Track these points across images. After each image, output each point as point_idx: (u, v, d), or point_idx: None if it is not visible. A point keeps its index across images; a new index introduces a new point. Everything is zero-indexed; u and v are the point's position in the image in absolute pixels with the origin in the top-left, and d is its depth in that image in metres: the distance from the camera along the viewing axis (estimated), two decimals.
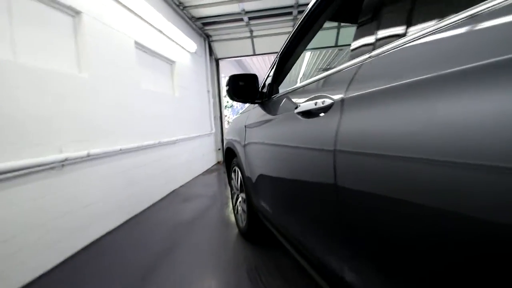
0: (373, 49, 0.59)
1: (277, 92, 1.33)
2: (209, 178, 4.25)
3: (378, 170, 0.48)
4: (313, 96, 0.80)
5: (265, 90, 1.40)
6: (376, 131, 0.49)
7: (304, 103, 0.83)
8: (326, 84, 0.77)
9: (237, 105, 9.42)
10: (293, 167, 0.89)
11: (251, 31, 5.06)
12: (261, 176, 1.30)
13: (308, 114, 0.80)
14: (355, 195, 0.55)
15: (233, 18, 4.43)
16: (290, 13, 4.42)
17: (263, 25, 4.80)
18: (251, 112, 1.55)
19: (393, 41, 0.54)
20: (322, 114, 0.71)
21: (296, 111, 0.88)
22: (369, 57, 0.59)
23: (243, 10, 4.15)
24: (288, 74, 1.32)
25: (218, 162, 5.71)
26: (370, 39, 0.61)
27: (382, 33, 0.59)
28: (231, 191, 2.29)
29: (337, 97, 0.66)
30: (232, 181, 2.13)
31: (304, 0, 3.99)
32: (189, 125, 4.23)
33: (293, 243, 0.98)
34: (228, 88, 1.32)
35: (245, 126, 1.59)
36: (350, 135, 0.58)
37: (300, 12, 4.35)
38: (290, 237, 1.00)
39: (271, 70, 1.37)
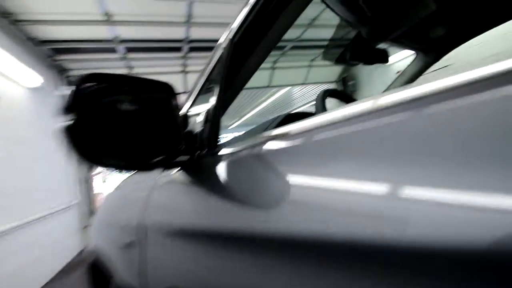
0: None
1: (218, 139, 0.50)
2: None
3: None
4: None
5: (197, 129, 0.53)
6: None
7: None
8: None
9: None
10: None
11: (131, 67, 4.01)
12: None
13: None
14: None
15: (102, 46, 3.30)
16: (179, 49, 3.74)
17: (146, 60, 3.89)
18: (162, 189, 0.60)
19: None
20: None
21: None
22: None
23: (117, 37, 3.14)
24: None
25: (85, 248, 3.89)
26: None
27: None
28: None
29: None
30: None
31: (196, 35, 3.42)
32: (28, 200, 2.56)
33: None
34: (73, 124, 0.34)
35: (145, 229, 0.60)
36: None
37: (192, 49, 3.75)
38: None
39: (212, 74, 0.53)
